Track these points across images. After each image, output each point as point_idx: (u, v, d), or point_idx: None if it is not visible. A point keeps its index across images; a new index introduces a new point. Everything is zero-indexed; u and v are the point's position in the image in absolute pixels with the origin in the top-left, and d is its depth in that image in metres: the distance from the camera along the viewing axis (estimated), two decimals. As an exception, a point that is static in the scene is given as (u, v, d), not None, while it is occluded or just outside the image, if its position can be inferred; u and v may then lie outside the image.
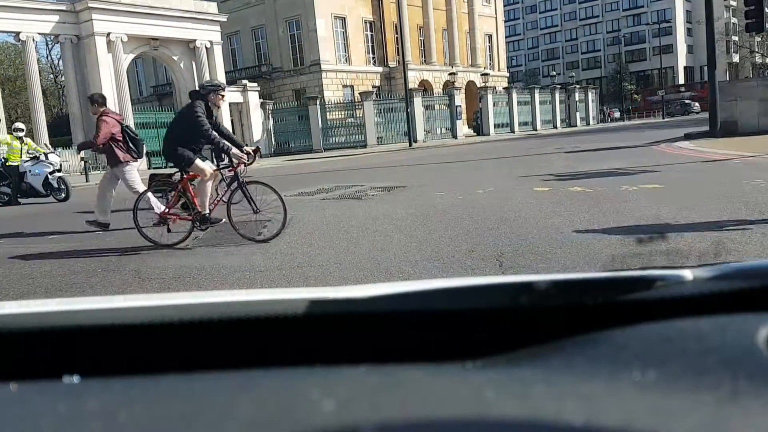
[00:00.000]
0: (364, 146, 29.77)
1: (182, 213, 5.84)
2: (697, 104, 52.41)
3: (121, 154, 7.02)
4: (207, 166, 5.78)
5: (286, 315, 0.52)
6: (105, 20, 24.63)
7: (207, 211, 5.65)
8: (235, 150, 5.59)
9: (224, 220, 5.65)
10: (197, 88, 5.78)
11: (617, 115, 56.05)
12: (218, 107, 5.81)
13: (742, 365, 0.39)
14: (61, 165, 12.94)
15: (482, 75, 41.88)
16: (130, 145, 7.10)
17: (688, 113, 50.56)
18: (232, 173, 5.68)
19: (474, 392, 0.38)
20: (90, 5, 24.12)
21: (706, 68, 18.80)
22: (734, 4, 72.71)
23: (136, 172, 7.24)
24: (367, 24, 39.22)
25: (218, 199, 5.82)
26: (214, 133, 5.56)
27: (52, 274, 4.84)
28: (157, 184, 8.49)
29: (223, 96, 5.83)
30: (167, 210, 5.78)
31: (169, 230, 5.70)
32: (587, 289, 0.56)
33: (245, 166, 5.67)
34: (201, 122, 5.47)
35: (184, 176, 5.74)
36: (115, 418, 0.35)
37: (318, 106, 30.74)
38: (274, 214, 5.63)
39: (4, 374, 0.42)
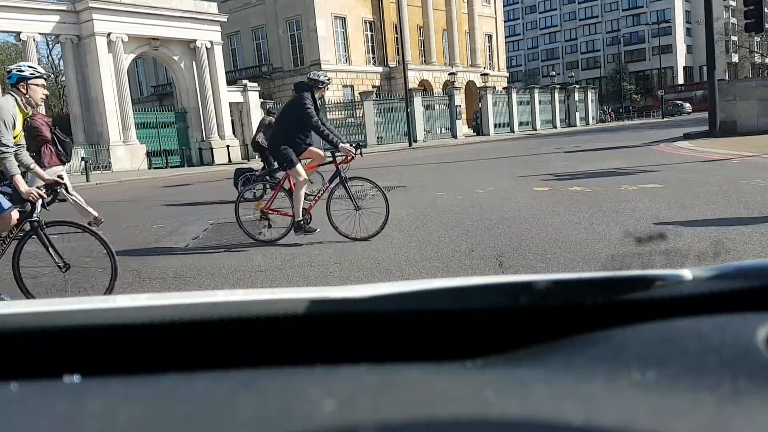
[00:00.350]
0: (364, 146, 29.61)
1: (283, 208, 5.70)
2: (688, 104, 53.19)
3: (46, 159, 6.81)
4: (304, 171, 5.57)
5: (286, 315, 0.52)
6: (105, 20, 24.62)
7: (301, 218, 5.48)
8: (344, 144, 5.42)
9: (319, 230, 5.50)
10: (305, 80, 5.62)
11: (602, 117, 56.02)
12: (321, 99, 5.69)
13: (742, 365, 0.39)
14: (61, 165, 12.93)
15: (482, 75, 41.91)
16: (59, 148, 6.99)
17: (680, 113, 50.94)
18: (334, 167, 5.52)
19: (474, 392, 0.38)
20: (90, 5, 24.10)
21: (705, 68, 18.79)
22: (733, 4, 72.76)
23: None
24: (367, 24, 39.22)
25: (318, 195, 5.68)
26: (322, 124, 5.46)
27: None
28: (244, 177, 8.91)
29: (327, 88, 5.77)
30: (267, 205, 5.66)
31: (270, 226, 5.62)
32: (587, 289, 0.56)
33: (348, 161, 5.49)
34: (310, 113, 5.36)
35: (286, 172, 5.58)
36: (115, 418, 0.35)
37: (318, 106, 30.72)
38: (375, 211, 5.46)
39: (4, 374, 0.42)
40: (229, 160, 27.08)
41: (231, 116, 29.31)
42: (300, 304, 0.53)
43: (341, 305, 0.55)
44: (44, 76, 4.06)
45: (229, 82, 30.11)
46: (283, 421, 0.34)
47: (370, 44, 39.60)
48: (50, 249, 3.87)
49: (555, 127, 41.63)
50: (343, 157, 5.45)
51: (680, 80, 73.74)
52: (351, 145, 5.45)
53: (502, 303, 0.55)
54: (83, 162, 19.45)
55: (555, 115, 42.28)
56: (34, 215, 3.85)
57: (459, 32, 44.14)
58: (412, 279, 3.68)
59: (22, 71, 3.96)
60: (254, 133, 11.30)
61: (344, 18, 37.72)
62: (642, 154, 12.97)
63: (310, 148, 5.67)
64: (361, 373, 0.41)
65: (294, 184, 5.50)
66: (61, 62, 33.17)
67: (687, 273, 0.57)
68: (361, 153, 5.53)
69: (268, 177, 6.63)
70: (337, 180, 5.49)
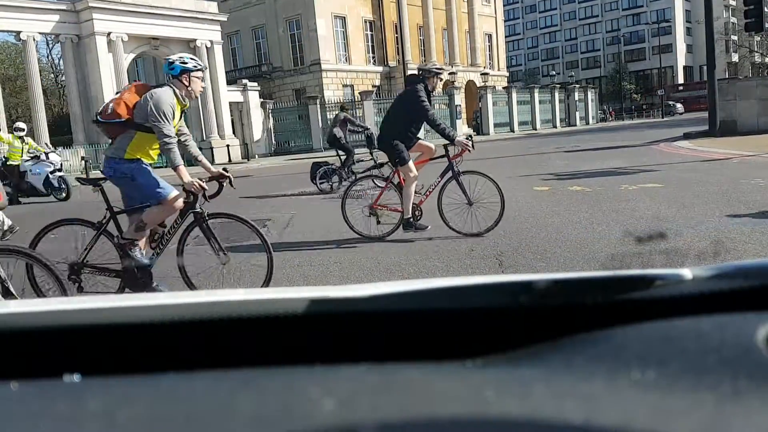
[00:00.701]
0: (364, 145, 29.74)
1: (392, 204, 5.55)
2: (680, 105, 53.47)
3: None
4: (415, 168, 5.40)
5: (286, 314, 0.52)
6: (105, 20, 24.60)
7: (410, 215, 5.34)
8: (460, 137, 5.29)
9: (430, 227, 5.34)
10: (416, 73, 5.47)
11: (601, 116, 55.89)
12: (434, 91, 5.52)
13: (742, 364, 0.39)
14: (61, 164, 12.98)
15: (482, 74, 41.89)
16: None
17: (673, 114, 50.96)
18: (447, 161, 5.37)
19: (474, 391, 0.38)
20: (91, 5, 24.08)
21: (705, 68, 18.78)
22: (733, 3, 72.68)
23: None
24: (367, 23, 39.18)
25: (430, 189, 5.51)
26: (437, 116, 5.32)
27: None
28: (321, 170, 9.61)
29: (441, 80, 5.60)
30: (376, 201, 5.53)
31: (378, 222, 5.50)
32: (587, 288, 0.56)
33: (461, 155, 5.34)
34: (425, 106, 5.24)
35: (396, 169, 5.44)
36: (115, 418, 0.35)
37: (318, 106, 30.71)
38: (489, 205, 5.25)
39: (4, 374, 0.42)
40: (229, 160, 27.05)
41: (231, 116, 29.30)
42: (300, 304, 0.53)
43: (341, 305, 0.55)
44: (203, 69, 4.00)
45: (229, 82, 30.10)
46: (283, 420, 0.34)
47: (370, 44, 39.56)
48: (212, 241, 3.88)
49: (555, 126, 41.59)
50: (458, 152, 5.31)
51: (680, 80, 73.71)
52: (466, 138, 5.34)
53: (502, 303, 0.55)
54: (83, 161, 19.44)
55: (555, 114, 42.24)
56: (197, 206, 3.85)
57: (459, 31, 44.11)
58: (412, 279, 3.68)
59: (186, 63, 3.85)
60: (329, 128, 11.41)
61: (344, 17, 37.68)
62: (642, 154, 12.97)
63: (420, 141, 5.56)
64: (361, 372, 0.41)
65: (404, 180, 5.37)
66: (61, 62, 33.16)
67: (687, 272, 0.57)
68: (472, 147, 5.35)
69: (377, 172, 6.35)
70: (450, 174, 5.34)
